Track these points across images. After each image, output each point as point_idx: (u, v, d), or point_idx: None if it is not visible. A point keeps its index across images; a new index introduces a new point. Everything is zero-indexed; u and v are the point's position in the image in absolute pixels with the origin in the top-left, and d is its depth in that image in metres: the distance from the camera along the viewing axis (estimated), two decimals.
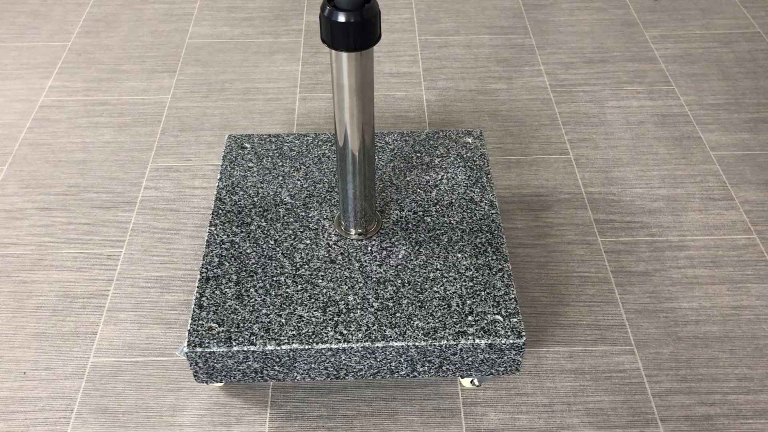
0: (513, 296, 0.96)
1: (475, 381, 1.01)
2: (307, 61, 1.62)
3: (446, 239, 1.03)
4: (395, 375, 0.96)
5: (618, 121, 1.47)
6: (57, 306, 1.14)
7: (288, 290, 0.96)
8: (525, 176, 1.35)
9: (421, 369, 0.95)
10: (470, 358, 0.93)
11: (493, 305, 0.94)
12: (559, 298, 1.15)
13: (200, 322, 0.93)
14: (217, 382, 0.95)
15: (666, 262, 1.20)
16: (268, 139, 1.17)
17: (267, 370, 0.94)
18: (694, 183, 1.34)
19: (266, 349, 0.90)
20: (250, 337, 0.91)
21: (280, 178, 1.11)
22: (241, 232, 1.03)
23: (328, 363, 0.93)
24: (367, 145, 0.92)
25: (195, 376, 0.94)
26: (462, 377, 1.01)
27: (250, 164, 1.13)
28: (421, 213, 1.06)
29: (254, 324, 0.93)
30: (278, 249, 1.01)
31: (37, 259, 1.20)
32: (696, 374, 1.05)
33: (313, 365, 0.93)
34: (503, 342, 0.91)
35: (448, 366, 0.95)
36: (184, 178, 1.35)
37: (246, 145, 1.16)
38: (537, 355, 1.07)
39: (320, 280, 0.97)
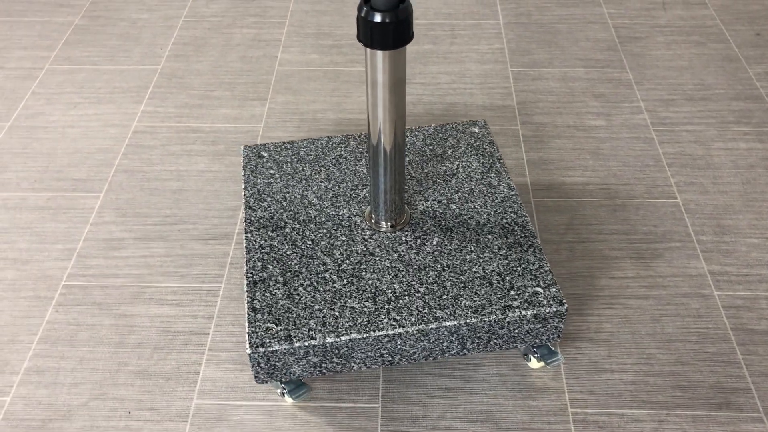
0: (547, 268, 1.01)
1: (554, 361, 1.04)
2: None
3: (474, 223, 1.07)
4: (446, 355, 0.99)
5: (726, 164, 1.41)
6: (158, 342, 1.12)
7: (335, 285, 1.00)
8: (632, 221, 1.29)
9: (470, 346, 0.99)
10: (516, 330, 0.98)
11: (531, 279, 1.00)
12: (677, 356, 1.09)
13: (257, 324, 0.95)
14: (276, 380, 0.97)
15: None
16: (283, 147, 1.21)
17: (325, 363, 0.97)
18: None
19: (326, 342, 0.93)
20: (308, 332, 0.94)
21: (304, 181, 1.15)
22: (278, 235, 1.06)
23: (383, 349, 0.96)
24: (398, 140, 0.97)
25: (256, 377, 0.96)
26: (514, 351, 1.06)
27: (272, 171, 1.16)
28: (445, 201, 1.11)
29: (310, 320, 0.95)
30: (317, 248, 1.04)
31: (137, 292, 1.19)
32: None
33: (369, 353, 0.97)
34: (547, 311, 0.96)
35: (495, 341, 0.99)
36: None
37: (263, 153, 1.19)
38: (658, 417, 1.01)
39: (364, 273, 1.01)
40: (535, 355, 1.05)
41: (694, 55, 1.70)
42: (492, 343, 0.99)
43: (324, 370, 0.97)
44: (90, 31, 1.82)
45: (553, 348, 1.05)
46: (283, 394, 1.03)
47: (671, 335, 1.12)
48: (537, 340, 1.01)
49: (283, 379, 0.97)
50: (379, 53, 0.87)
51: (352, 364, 0.98)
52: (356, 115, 1.53)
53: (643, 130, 1.49)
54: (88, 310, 1.17)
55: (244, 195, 1.13)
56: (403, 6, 0.84)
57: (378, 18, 0.83)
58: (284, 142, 1.22)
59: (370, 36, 0.85)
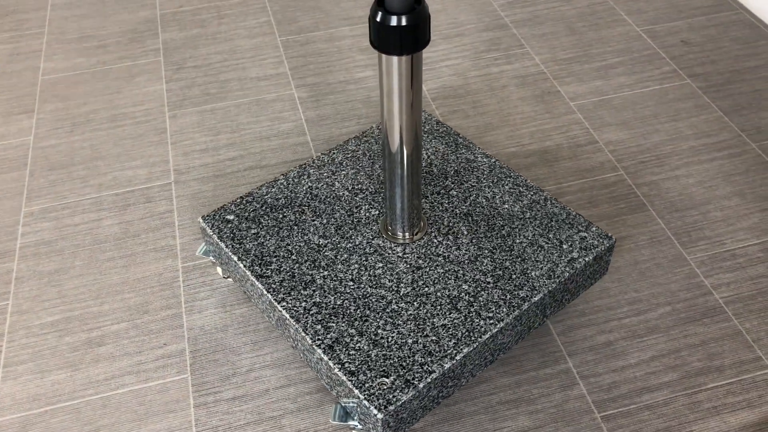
0: (574, 212, 1.05)
1: None
2: (170, 79, 1.59)
3: (484, 200, 1.07)
4: (531, 331, 1.01)
5: (483, 89, 1.54)
6: None
7: (409, 312, 0.94)
8: None
9: (548, 312, 1.01)
10: (581, 279, 1.01)
11: (569, 227, 1.03)
12: None
13: (367, 384, 0.87)
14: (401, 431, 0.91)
15: None
16: (244, 202, 1.09)
17: (442, 392, 0.92)
18: (561, 134, 1.42)
19: (445, 369, 0.89)
20: (423, 367, 0.88)
21: (295, 227, 1.05)
22: (314, 291, 0.97)
23: (487, 351, 0.94)
24: (418, 146, 0.93)
25: None
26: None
27: (253, 231, 1.05)
28: (442, 191, 1.09)
29: (414, 355, 0.90)
30: (362, 285, 0.97)
31: None
32: (592, 307, 1.12)
33: (476, 361, 0.94)
34: (601, 249, 1.00)
35: (566, 297, 1.02)
36: (62, 216, 1.30)
37: (228, 217, 1.07)
38: None
39: (426, 288, 0.97)
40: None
41: None
42: (563, 300, 1.01)
43: (439, 400, 0.93)
44: None
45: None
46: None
47: None
48: (593, 281, 1.05)
49: (407, 429, 0.90)
50: (395, 59, 0.81)
51: (462, 381, 0.94)
52: (130, 108, 1.52)
53: None
54: None
55: (244, 266, 1.00)
56: (419, 8, 0.79)
57: (393, 21, 0.78)
58: (241, 197, 1.09)
59: (384, 40, 0.79)
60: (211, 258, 1.13)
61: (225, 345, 1.09)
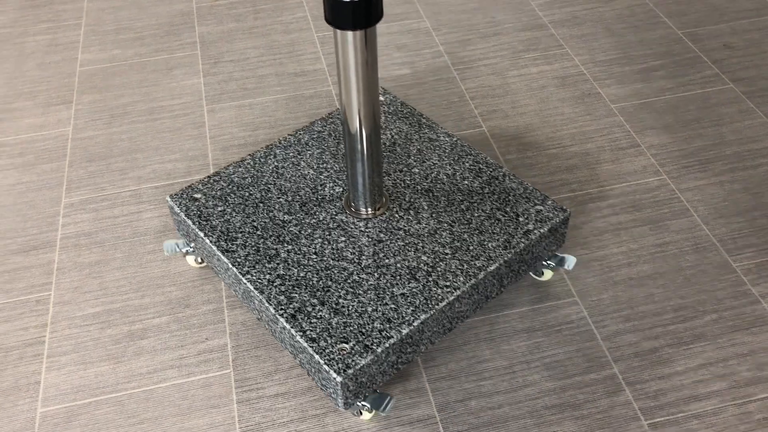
0: (532, 187, 1.09)
1: (567, 266, 1.09)
2: (208, 72, 1.59)
3: (445, 177, 1.11)
4: (488, 300, 1.03)
5: (521, 89, 1.53)
6: None
7: (370, 282, 0.98)
8: None
9: (506, 282, 1.04)
10: (536, 249, 1.05)
11: (526, 201, 1.07)
12: None
13: (327, 350, 0.90)
14: (361, 398, 0.94)
15: (590, 213, 1.26)
16: (211, 181, 1.12)
17: (401, 358, 0.95)
18: (602, 136, 1.41)
19: (402, 334, 0.92)
20: (381, 333, 0.92)
21: (261, 205, 1.08)
22: (278, 264, 1.00)
23: (445, 319, 0.97)
24: (377, 122, 0.95)
25: (345, 402, 0.91)
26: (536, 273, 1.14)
27: (220, 208, 1.07)
28: (405, 169, 1.13)
29: (373, 322, 0.93)
30: (325, 258, 1.01)
31: None
32: (637, 313, 1.11)
33: (434, 328, 0.97)
34: (557, 221, 1.04)
35: (522, 267, 1.05)
36: (102, 208, 1.30)
37: (196, 195, 1.09)
38: (488, 321, 1.10)
39: (387, 260, 1.00)
40: (548, 266, 1.11)
41: None
42: (520, 270, 1.05)
43: (399, 366, 0.96)
44: None
45: (558, 254, 1.11)
46: (361, 412, 0.98)
47: None
48: (549, 252, 1.08)
49: (366, 394, 0.94)
50: (350, 34, 0.84)
51: (421, 347, 0.97)
52: (168, 101, 1.52)
53: (445, 72, 1.58)
54: None
55: (211, 242, 1.02)
56: None
57: None
58: (209, 176, 1.12)
59: (339, 16, 0.82)
60: (184, 250, 1.15)
61: (267, 341, 1.09)
